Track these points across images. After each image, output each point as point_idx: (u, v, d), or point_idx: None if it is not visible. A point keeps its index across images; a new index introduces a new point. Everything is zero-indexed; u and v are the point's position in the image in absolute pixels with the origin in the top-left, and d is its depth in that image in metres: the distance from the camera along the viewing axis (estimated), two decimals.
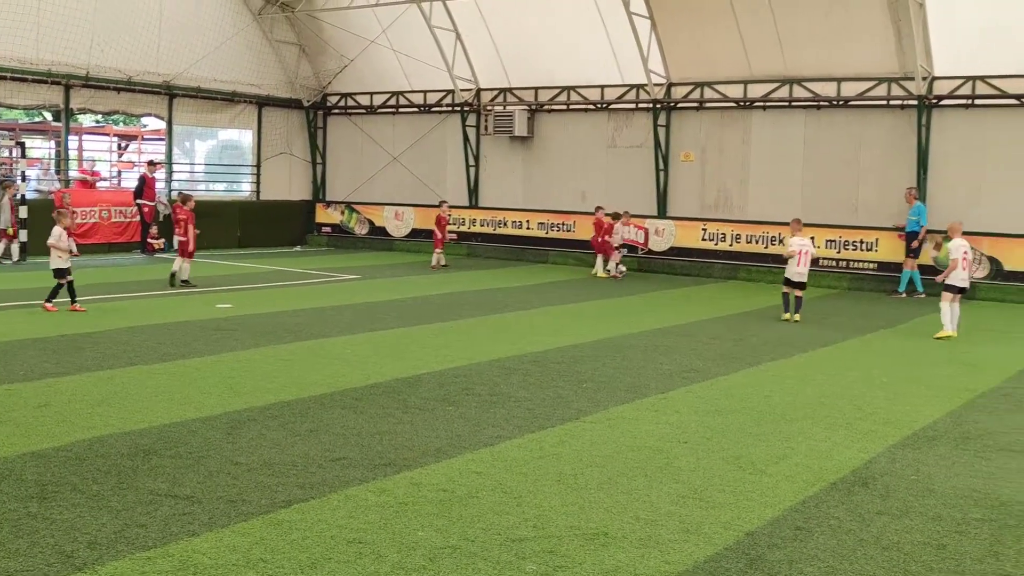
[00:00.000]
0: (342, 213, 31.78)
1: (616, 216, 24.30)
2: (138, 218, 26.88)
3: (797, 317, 17.34)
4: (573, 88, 27.00)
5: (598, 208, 24.74)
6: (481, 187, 29.32)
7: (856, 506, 7.28)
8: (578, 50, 26.18)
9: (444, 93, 29.30)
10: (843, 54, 22.65)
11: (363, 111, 31.39)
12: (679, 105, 25.46)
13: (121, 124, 38.33)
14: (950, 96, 21.83)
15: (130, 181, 31.11)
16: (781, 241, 23.61)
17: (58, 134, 27.66)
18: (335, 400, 10.20)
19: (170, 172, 29.05)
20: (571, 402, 10.42)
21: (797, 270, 17.36)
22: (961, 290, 15.83)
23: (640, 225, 24.84)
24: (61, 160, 27.37)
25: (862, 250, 22.93)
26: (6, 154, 28.45)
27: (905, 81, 22.12)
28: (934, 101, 21.97)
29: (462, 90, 28.53)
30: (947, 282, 15.79)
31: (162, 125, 29.66)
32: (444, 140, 29.86)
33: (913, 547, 6.49)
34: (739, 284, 23.38)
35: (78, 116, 28.93)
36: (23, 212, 23.75)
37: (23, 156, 25.71)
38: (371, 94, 31.01)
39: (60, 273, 15.80)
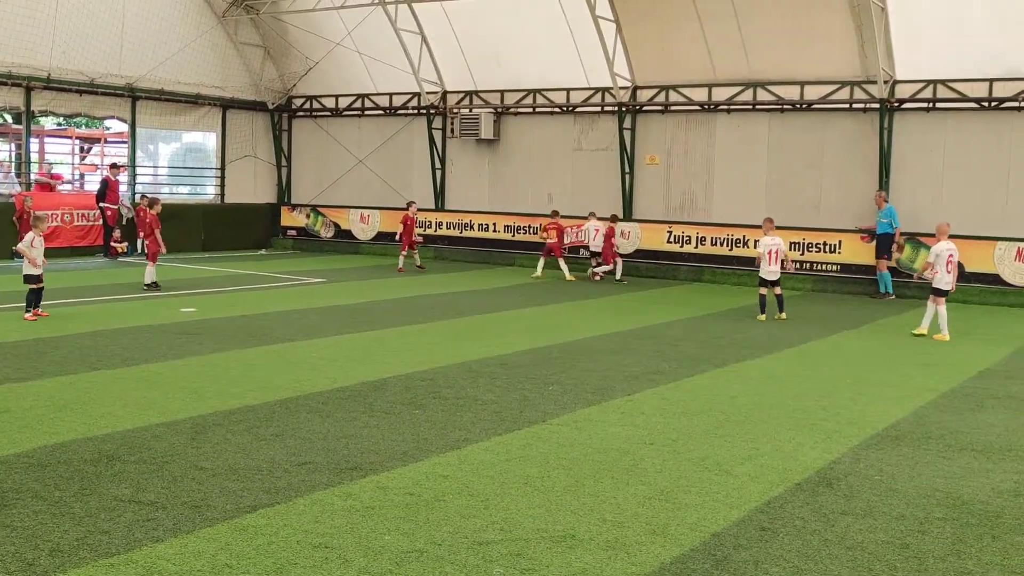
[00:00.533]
0: (307, 216, 31.63)
1: (615, 219, 24.31)
2: (101, 221, 26.60)
3: (784, 316, 17.57)
4: (539, 91, 27.04)
5: (555, 212, 24.97)
6: (447, 190, 29.29)
7: (821, 506, 7.33)
8: (544, 53, 26.23)
9: (410, 96, 29.25)
10: (806, 58, 22.86)
11: (328, 114, 31.27)
12: (644, 108, 25.57)
13: (83, 127, 37.94)
14: (911, 99, 22.10)
15: (93, 184, 30.80)
16: (747, 243, 23.80)
17: (19, 137, 27.31)
18: (301, 404, 10.15)
19: (133, 175, 28.77)
20: (538, 405, 10.42)
21: (770, 268, 17.53)
22: (946, 293, 15.97)
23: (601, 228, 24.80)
24: (22, 163, 27.02)
25: (825, 252, 23.13)
26: None
27: (867, 84, 22.35)
28: (895, 104, 22.22)
29: (428, 93, 28.50)
30: (935, 286, 15.93)
31: (125, 128, 29.37)
32: (410, 143, 29.81)
33: (877, 547, 6.55)
34: (704, 286, 23.50)
35: (39, 118, 28.62)
36: None
37: None
38: (336, 96, 30.89)
39: (32, 279, 15.43)
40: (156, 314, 16.29)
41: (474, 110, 27.92)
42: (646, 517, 6.98)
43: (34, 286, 15.49)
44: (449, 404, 10.32)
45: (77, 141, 36.80)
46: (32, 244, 15.53)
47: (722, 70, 24.16)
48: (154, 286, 19.50)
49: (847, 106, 22.93)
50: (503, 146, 28.14)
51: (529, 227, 27.30)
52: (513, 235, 27.71)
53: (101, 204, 26.47)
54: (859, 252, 22.42)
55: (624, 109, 25.53)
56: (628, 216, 25.90)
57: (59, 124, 36.88)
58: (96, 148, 36.88)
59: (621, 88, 25.28)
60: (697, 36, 23.85)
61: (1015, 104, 21.03)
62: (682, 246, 25.01)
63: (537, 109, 27.31)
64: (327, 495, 7.24)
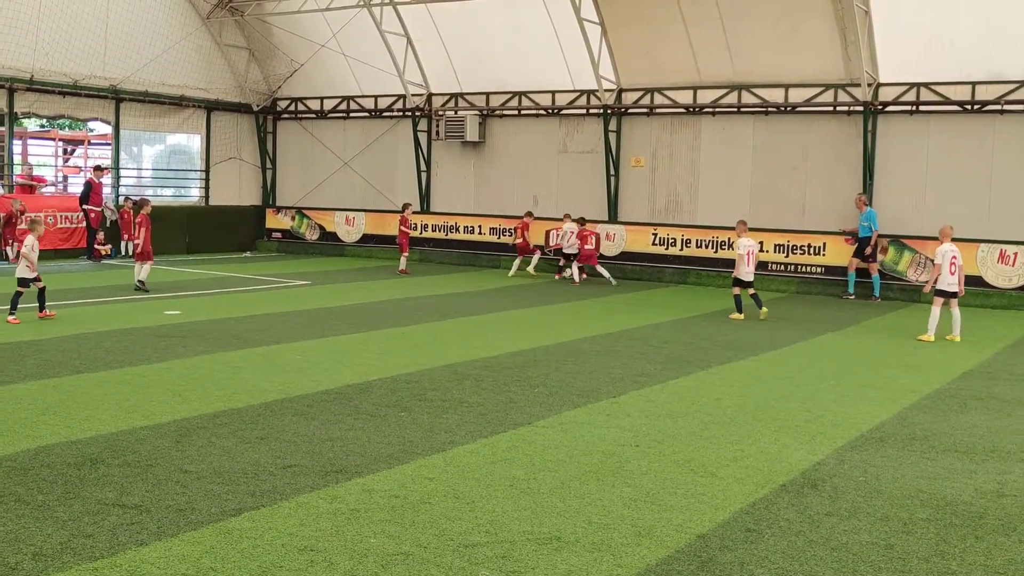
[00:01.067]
0: (292, 218, 31.56)
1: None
2: (84, 224, 26.48)
3: (766, 311, 17.81)
4: (524, 93, 27.06)
5: (528, 213, 25.34)
6: (433, 192, 29.28)
7: (806, 507, 7.36)
8: (529, 56, 26.25)
9: (395, 98, 29.22)
10: (791, 61, 22.95)
11: (313, 116, 31.21)
12: (629, 111, 25.62)
13: (67, 128, 37.77)
14: (895, 102, 22.20)
15: (76, 186, 30.66)
16: (731, 245, 23.84)
17: (1, 139, 27.16)
18: (286, 407, 10.12)
19: (117, 177, 28.65)
20: (523, 407, 10.43)
21: (748, 269, 17.67)
22: (953, 294, 16.03)
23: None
24: (4, 165, 26.87)
25: (810, 254, 23.22)
26: None
27: (851, 87, 22.45)
28: (879, 107, 22.33)
29: (413, 95, 28.47)
30: (938, 287, 16.01)
31: (109, 130, 29.26)
32: (395, 145, 29.77)
33: (861, 547, 6.58)
34: (689, 288, 23.55)
35: (22, 120, 28.46)
36: None
37: None
38: (321, 99, 30.84)
39: (24, 282, 15.45)
40: (140, 317, 16.22)
41: (459, 112, 27.92)
42: (632, 519, 6.99)
43: (25, 289, 15.46)
44: (435, 406, 10.32)
45: (60, 143, 36.66)
46: (32, 248, 15.60)
47: (707, 73, 24.23)
48: (141, 285, 19.51)
49: (831, 109, 23.02)
50: (488, 148, 28.14)
51: (515, 229, 27.28)
52: (499, 237, 27.71)
53: (84, 206, 26.34)
54: (843, 254, 22.51)
55: (609, 111, 25.57)
56: (613, 218, 25.95)
57: (42, 126, 36.70)
58: (79, 150, 36.74)
59: (606, 90, 25.32)
60: (682, 39, 23.91)
61: (998, 107, 21.15)
62: (667, 248, 25.06)
63: (522, 111, 27.33)
64: (312, 498, 7.23)
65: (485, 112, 27.79)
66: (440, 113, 28.28)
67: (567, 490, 7.61)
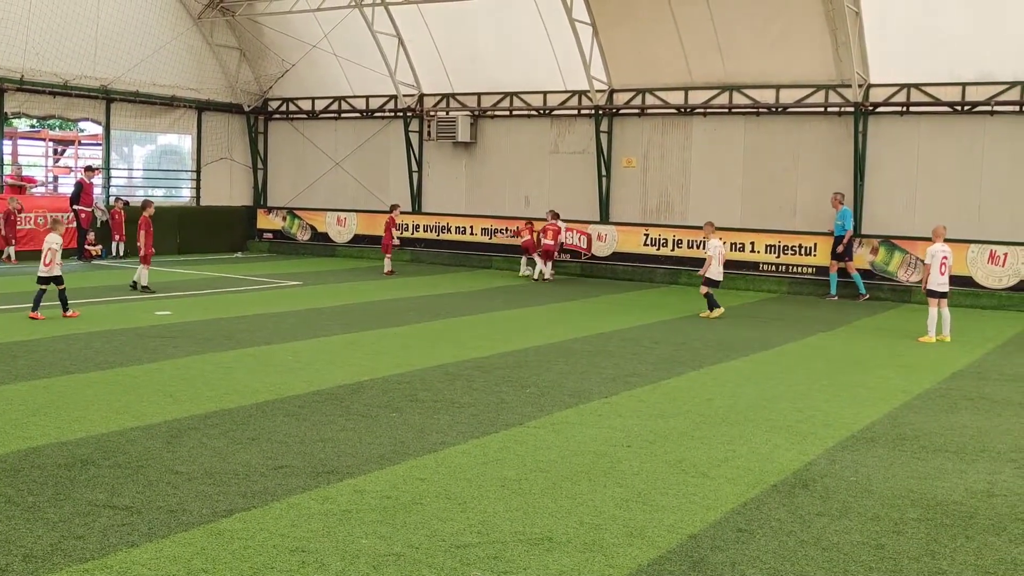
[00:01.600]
0: (284, 219, 31.51)
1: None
2: (75, 224, 26.39)
3: (719, 312, 18.00)
4: (516, 94, 27.06)
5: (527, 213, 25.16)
6: (424, 193, 29.26)
7: (797, 508, 7.37)
8: (521, 56, 26.25)
9: (387, 98, 29.19)
10: (782, 62, 22.99)
11: (304, 116, 31.17)
12: (621, 111, 25.63)
13: (57, 129, 37.66)
14: (885, 103, 22.26)
15: (67, 187, 30.56)
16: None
17: None
18: (277, 407, 10.11)
19: (108, 177, 28.57)
20: (515, 407, 10.43)
21: (718, 269, 17.94)
22: (943, 294, 16.09)
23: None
24: None
25: (801, 254, 23.26)
26: None
27: (842, 88, 22.50)
28: (870, 108, 22.38)
29: (405, 96, 28.46)
30: (928, 287, 16.06)
31: (99, 130, 29.16)
32: (387, 145, 29.75)
33: (852, 547, 6.59)
34: (681, 289, 23.57)
35: (12, 120, 28.36)
36: None
37: None
38: (312, 99, 30.80)
39: (57, 280, 15.91)
40: (131, 317, 16.18)
41: (451, 113, 27.91)
42: (623, 519, 7.00)
43: (61, 287, 15.88)
44: (426, 407, 10.31)
45: (51, 143, 36.53)
46: (55, 246, 16.04)
47: (698, 73, 24.26)
48: (134, 286, 19.51)
49: (822, 109, 23.07)
50: (480, 149, 28.14)
51: (506, 230, 27.30)
52: (490, 238, 27.70)
53: (75, 207, 26.27)
54: (830, 255, 22.51)
55: (601, 112, 25.59)
56: (605, 219, 25.97)
57: (32, 126, 36.58)
58: (70, 150, 36.62)
59: (598, 91, 25.33)
60: (673, 39, 23.93)
61: (988, 108, 21.22)
62: (659, 249, 25.08)
63: (514, 112, 27.33)
64: (303, 499, 7.22)
65: (476, 113, 27.78)
66: (431, 113, 28.27)
67: (558, 490, 7.61)
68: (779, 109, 23.53)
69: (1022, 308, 20.54)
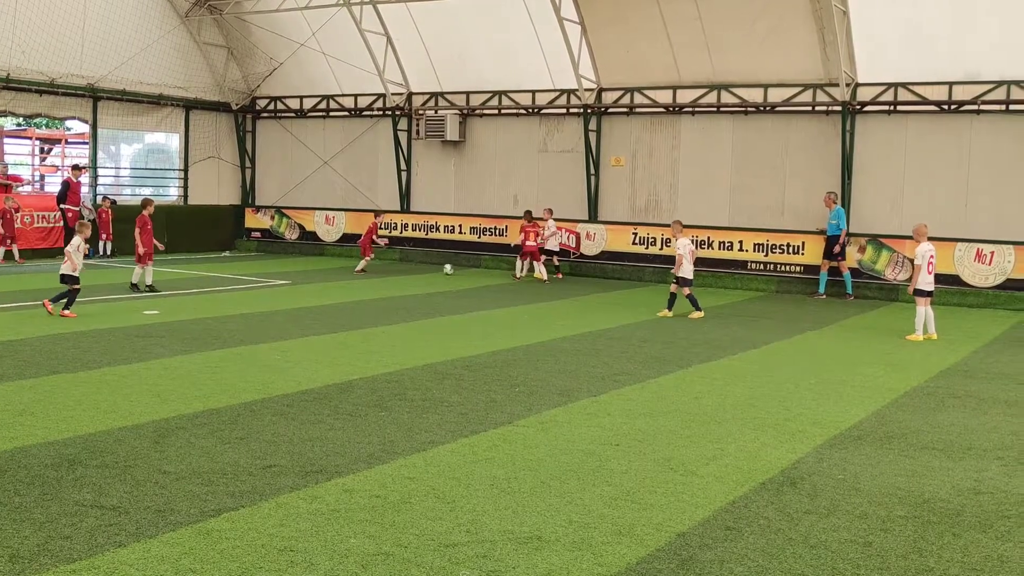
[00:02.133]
0: (272, 218, 31.44)
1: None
2: (62, 223, 26.29)
3: (670, 313, 18.02)
4: (505, 93, 27.06)
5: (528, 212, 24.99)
6: (413, 191, 29.23)
7: (785, 505, 7.39)
8: (510, 55, 26.25)
9: (375, 97, 29.16)
10: (769, 61, 23.04)
11: (293, 115, 31.10)
12: (609, 110, 25.65)
13: (44, 127, 37.51)
14: (873, 102, 22.33)
15: (53, 186, 30.43)
16: (711, 244, 23.95)
17: None
18: (266, 407, 10.09)
19: (95, 176, 28.47)
20: (504, 406, 10.43)
21: (689, 267, 17.94)
22: (931, 293, 16.14)
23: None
24: None
25: (789, 253, 23.32)
26: None
27: (829, 87, 22.56)
28: (857, 107, 22.45)
29: (393, 94, 28.43)
30: (917, 287, 16.08)
31: (86, 128, 29.06)
32: (375, 144, 29.71)
33: (840, 545, 6.61)
34: (670, 287, 23.54)
35: None
36: None
37: None
38: (301, 98, 30.74)
39: (72, 280, 16.17)
40: (118, 317, 16.13)
41: (440, 112, 27.89)
42: (612, 518, 7.01)
43: (75, 286, 16.15)
44: (415, 406, 10.31)
45: (37, 142, 36.39)
46: (78, 248, 16.40)
47: (686, 73, 24.30)
48: (135, 288, 19.43)
49: (810, 108, 23.13)
50: (469, 148, 28.13)
51: (495, 229, 27.29)
52: (479, 237, 27.70)
53: (62, 206, 26.17)
54: (822, 253, 22.59)
55: (589, 111, 25.60)
56: (594, 218, 25.99)
57: (19, 124, 36.44)
58: (57, 149, 36.49)
59: (586, 90, 25.34)
60: (662, 39, 23.97)
61: (974, 107, 21.31)
62: (647, 247, 25.11)
63: (503, 111, 27.32)
64: (292, 498, 7.21)
65: (465, 111, 27.77)
66: (420, 112, 28.24)
67: (547, 489, 7.62)
68: (767, 108, 23.58)
69: (1008, 306, 20.63)
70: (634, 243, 25.29)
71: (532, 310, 18.83)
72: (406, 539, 6.47)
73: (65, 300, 15.99)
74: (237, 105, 31.32)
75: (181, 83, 29.62)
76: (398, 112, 28.65)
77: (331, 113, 30.34)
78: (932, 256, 16.09)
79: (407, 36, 27.29)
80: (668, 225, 24.78)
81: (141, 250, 19.55)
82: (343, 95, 29.89)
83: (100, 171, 28.93)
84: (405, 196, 29.19)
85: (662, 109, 24.93)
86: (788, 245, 23.32)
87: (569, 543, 6.49)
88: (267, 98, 31.44)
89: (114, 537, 6.32)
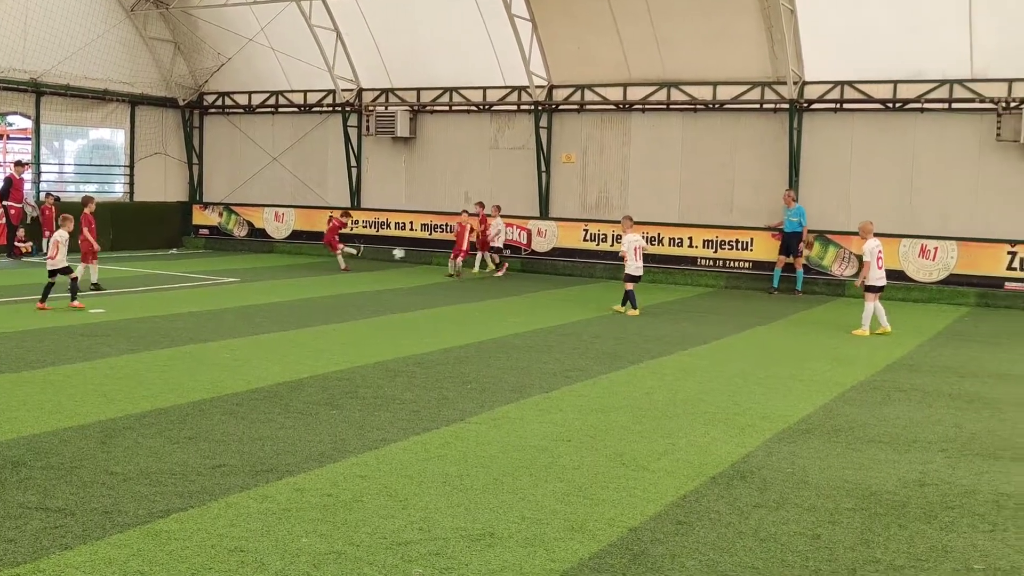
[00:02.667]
0: (220, 215, 31.13)
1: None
2: (4, 220, 25.80)
3: (626, 309, 17.96)
4: (455, 89, 27.01)
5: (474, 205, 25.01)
6: (363, 188, 29.09)
7: (735, 499, 7.46)
8: (460, 51, 26.20)
9: (325, 93, 28.96)
10: (719, 59, 23.22)
11: (241, 111, 30.80)
12: (560, 107, 25.71)
13: None
14: (820, 100, 22.60)
15: None
16: (661, 241, 24.11)
17: None
18: (215, 406, 9.98)
19: (38, 173, 27.96)
20: (456, 403, 10.42)
21: (636, 264, 17.89)
22: (880, 289, 16.32)
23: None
24: None
25: (738, 249, 23.54)
26: None
27: (778, 85, 22.80)
28: (805, 105, 22.70)
29: (343, 90, 28.25)
30: (868, 283, 16.24)
31: (29, 124, 28.53)
32: (325, 140, 29.52)
33: (789, 538, 6.69)
34: (621, 284, 23.65)
35: None
36: None
37: None
38: (249, 93, 30.44)
39: (65, 271, 16.67)
40: (63, 316, 15.87)
41: (390, 108, 27.77)
42: (564, 514, 7.03)
43: (72, 276, 16.78)
44: (367, 404, 10.26)
45: None
46: (63, 241, 16.87)
47: (637, 70, 24.42)
48: (96, 287, 19.12)
49: (758, 106, 23.35)
50: (420, 144, 28.04)
51: (446, 226, 27.24)
52: (430, 234, 27.63)
53: (4, 203, 25.67)
54: (771, 250, 22.84)
55: (540, 108, 25.64)
56: (545, 214, 26.04)
57: None
58: None
59: (537, 87, 25.38)
60: (612, 36, 24.06)
61: (918, 106, 21.64)
62: (598, 244, 25.21)
63: (454, 107, 27.28)
64: (242, 498, 7.14)
65: (416, 108, 27.67)
66: (370, 109, 28.11)
67: (500, 486, 7.62)
68: (716, 106, 23.77)
69: (951, 301, 21.01)
70: (585, 240, 25.38)
71: (484, 307, 18.82)
72: (358, 538, 6.44)
73: (69, 294, 16.67)
74: (184, 101, 30.95)
75: (127, 78, 29.20)
76: (348, 108, 28.49)
77: (280, 109, 30.10)
78: (880, 252, 16.30)
79: (357, 32, 27.14)
80: (619, 222, 24.94)
81: (96, 247, 19.27)
82: (292, 91, 29.65)
83: (43, 167, 28.43)
84: (355, 193, 29.03)
85: (612, 106, 25.04)
86: (737, 241, 23.53)
87: (521, 539, 6.50)
88: (215, 94, 31.10)
89: (60, 540, 6.22)
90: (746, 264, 23.44)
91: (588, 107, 25.39)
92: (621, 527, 6.78)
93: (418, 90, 27.63)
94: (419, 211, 27.93)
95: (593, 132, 25.50)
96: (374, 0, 25.84)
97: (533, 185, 26.17)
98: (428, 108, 27.61)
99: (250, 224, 30.61)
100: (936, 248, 21.44)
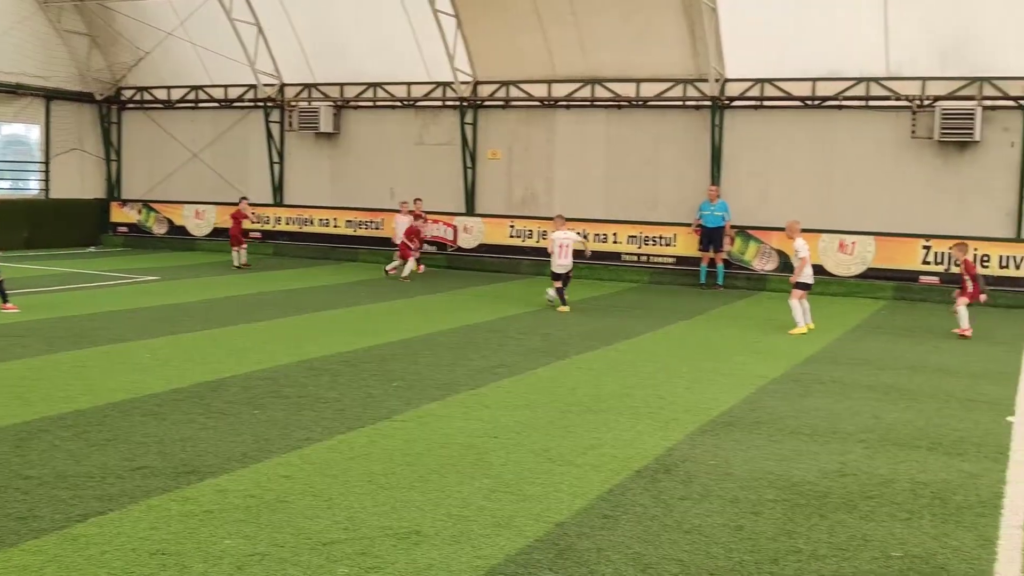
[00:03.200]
0: (139, 212, 30.52)
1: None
2: None
3: (563, 307, 18.03)
4: (379, 84, 26.83)
5: (410, 202, 24.73)
6: (286, 184, 28.75)
7: (660, 492, 7.53)
8: (385, 47, 26.02)
9: (246, 88, 28.55)
10: (642, 56, 23.41)
11: (160, 106, 30.21)
12: (485, 103, 25.70)
13: None
14: (741, 98, 22.91)
15: None
16: (586, 237, 24.22)
17: None
18: (135, 407, 9.78)
19: None
20: (382, 401, 10.35)
21: (561, 262, 17.96)
22: (808, 286, 16.53)
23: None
24: None
25: (661, 245, 23.77)
26: None
27: (700, 83, 23.06)
28: (726, 102, 23.00)
29: (265, 85, 27.88)
30: (800, 280, 16.41)
31: None
32: (247, 136, 29.10)
33: (713, 529, 6.77)
34: (547, 280, 23.68)
35: None
36: None
37: None
38: (168, 88, 29.87)
39: None
40: None
41: (313, 103, 27.47)
42: (491, 510, 7.03)
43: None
44: (290, 403, 10.14)
45: None
46: None
47: (561, 67, 24.51)
48: None
49: (681, 103, 23.58)
50: (344, 140, 27.81)
51: (371, 222, 27.06)
52: (355, 230, 27.43)
53: None
54: (694, 245, 23.10)
55: (465, 104, 25.60)
56: (471, 211, 26.01)
57: None
58: None
59: (462, 83, 25.33)
60: (537, 32, 24.12)
61: (836, 103, 22.07)
62: (524, 240, 25.27)
63: (378, 103, 27.09)
64: (163, 500, 7.01)
65: (340, 103, 27.43)
66: (293, 104, 27.79)
67: (426, 484, 7.59)
68: (640, 103, 23.96)
69: (869, 294, 21.48)
70: (511, 236, 25.42)
71: (409, 304, 18.74)
72: (282, 538, 6.37)
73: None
74: (101, 95, 30.26)
75: (41, 72, 28.42)
76: (270, 103, 28.13)
77: (200, 104, 29.58)
78: (806, 250, 16.50)
79: (279, 26, 26.79)
80: (545, 218, 25.03)
81: None
82: (213, 86, 29.16)
83: None
84: (278, 189, 28.69)
85: (537, 103, 25.10)
86: (660, 237, 23.77)
87: (448, 536, 6.49)
88: (133, 88, 30.46)
89: None
90: (670, 260, 23.68)
91: (513, 103, 25.41)
92: (547, 522, 6.80)
93: (342, 85, 27.39)
94: (344, 207, 27.70)
95: (519, 128, 25.54)
96: None
97: (459, 181, 26.13)
98: (352, 104, 27.38)
99: (170, 221, 30.08)
100: (854, 243, 21.90)
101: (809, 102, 22.36)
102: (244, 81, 28.23)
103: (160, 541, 6.24)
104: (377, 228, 26.95)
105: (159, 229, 30.20)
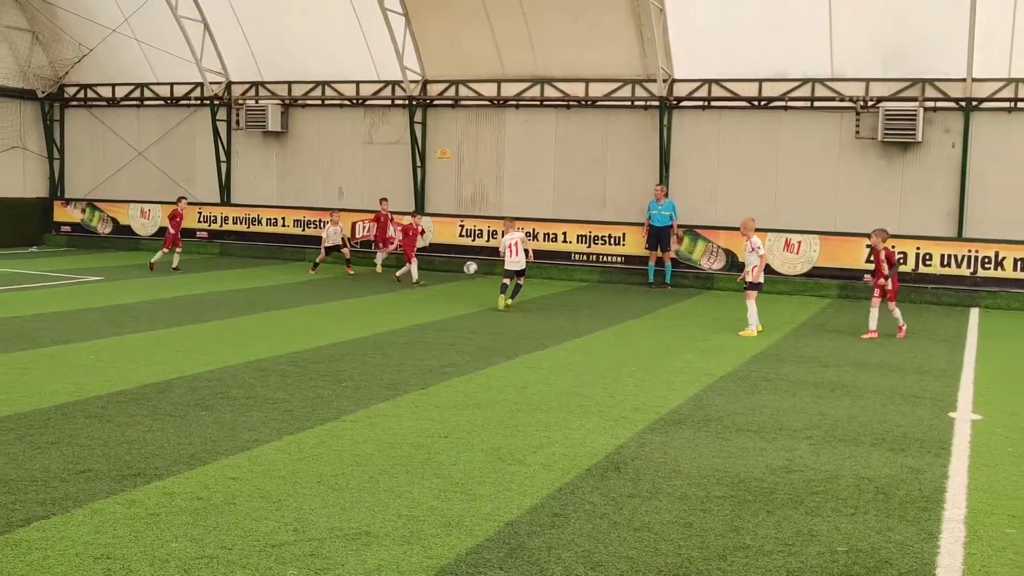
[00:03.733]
0: (83, 211, 30.05)
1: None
2: None
3: (511, 302, 18.13)
4: (328, 83, 26.67)
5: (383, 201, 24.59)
6: (233, 184, 28.47)
7: (610, 490, 7.57)
8: (333, 45, 25.87)
9: (192, 86, 28.22)
10: (591, 56, 23.52)
11: (104, 104, 29.77)
12: (435, 102, 25.65)
13: None
14: (688, 98, 23.10)
15: None
16: (536, 236, 24.30)
17: None
18: (78, 409, 9.63)
19: None
20: (331, 402, 10.29)
21: (513, 259, 18.14)
22: (762, 286, 16.59)
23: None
24: None
25: (610, 244, 23.90)
26: None
27: (648, 83, 23.21)
28: (674, 102, 23.18)
29: (212, 83, 27.59)
30: (757, 280, 16.40)
31: None
32: (193, 135, 28.77)
33: (662, 526, 6.82)
34: (496, 279, 23.73)
35: None
36: None
37: None
38: (113, 85, 29.44)
39: None
40: None
41: (260, 101, 27.24)
42: (441, 510, 7.02)
43: None
44: (238, 404, 10.05)
45: None
46: None
47: (511, 66, 24.54)
48: None
49: (629, 103, 23.72)
50: (292, 139, 27.60)
51: (320, 221, 26.88)
52: (303, 230, 27.23)
53: None
54: (642, 244, 23.24)
55: (415, 103, 25.53)
56: (420, 210, 25.92)
57: None
58: None
59: (411, 82, 25.26)
60: (486, 32, 24.12)
61: (782, 104, 22.34)
62: (474, 240, 25.26)
63: (326, 101, 26.92)
64: (109, 503, 6.91)
65: (287, 101, 27.22)
66: (240, 102, 27.52)
67: (376, 484, 7.57)
68: (588, 102, 24.07)
69: (814, 293, 21.76)
70: (461, 235, 25.40)
71: (359, 304, 18.66)
72: (230, 541, 6.31)
73: None
74: (43, 92, 29.74)
75: None
76: (217, 102, 27.83)
77: (146, 102, 29.19)
78: (759, 248, 16.56)
79: (226, 23, 26.52)
80: (495, 218, 25.06)
81: None
82: (159, 83, 28.79)
83: None
84: (225, 188, 28.40)
85: (487, 102, 25.10)
86: (609, 236, 23.89)
87: (398, 537, 6.47)
88: (76, 85, 29.98)
89: None
90: (618, 259, 23.82)
91: (462, 102, 25.39)
92: (498, 521, 6.81)
93: (289, 84, 27.18)
94: (292, 207, 27.49)
95: (468, 127, 25.53)
96: None
97: (408, 180, 26.05)
98: (300, 102, 27.19)
99: (115, 221, 29.65)
100: (800, 242, 22.17)
101: (755, 103, 22.60)
102: (191, 79, 27.91)
103: (105, 545, 6.16)
104: (324, 227, 26.73)
105: (104, 228, 29.77)
